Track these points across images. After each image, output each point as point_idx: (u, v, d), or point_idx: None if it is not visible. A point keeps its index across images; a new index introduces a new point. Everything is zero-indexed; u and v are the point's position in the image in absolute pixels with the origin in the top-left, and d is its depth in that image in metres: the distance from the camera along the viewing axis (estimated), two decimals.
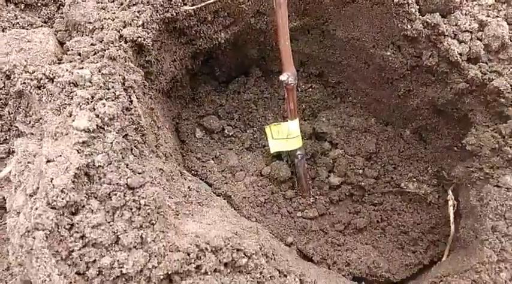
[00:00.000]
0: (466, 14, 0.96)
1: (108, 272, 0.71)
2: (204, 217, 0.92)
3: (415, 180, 1.16)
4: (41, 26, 0.96)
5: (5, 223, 0.88)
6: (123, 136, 0.82)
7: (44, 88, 0.84)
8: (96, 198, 0.75)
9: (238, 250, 0.80)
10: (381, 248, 1.12)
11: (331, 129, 1.24)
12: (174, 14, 0.96)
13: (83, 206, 0.73)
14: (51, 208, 0.70)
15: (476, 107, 0.98)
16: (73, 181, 0.72)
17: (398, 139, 1.21)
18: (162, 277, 0.73)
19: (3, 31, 0.92)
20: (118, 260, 0.72)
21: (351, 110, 1.27)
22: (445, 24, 0.95)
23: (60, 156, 0.74)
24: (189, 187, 0.96)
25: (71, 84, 0.83)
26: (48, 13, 0.99)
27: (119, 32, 0.90)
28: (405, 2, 0.94)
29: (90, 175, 0.75)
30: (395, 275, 1.06)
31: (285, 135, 1.11)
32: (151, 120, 0.97)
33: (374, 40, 1.07)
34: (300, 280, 0.84)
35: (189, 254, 0.76)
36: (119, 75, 0.85)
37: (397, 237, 1.13)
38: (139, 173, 0.80)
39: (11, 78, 0.86)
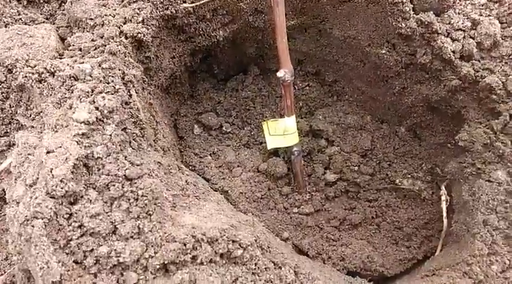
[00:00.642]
0: (459, 13, 0.98)
1: (106, 261, 0.72)
2: (201, 210, 0.93)
3: (409, 176, 1.18)
4: (43, 22, 0.98)
5: (5, 215, 0.90)
6: (122, 129, 0.83)
7: (45, 82, 0.85)
8: (94, 188, 0.76)
9: (233, 241, 0.81)
10: (376, 244, 1.13)
11: (327, 127, 1.26)
12: (174, 11, 0.98)
13: (82, 196, 0.75)
14: (51, 197, 0.71)
15: (469, 104, 1.00)
16: (72, 172, 0.73)
17: (393, 137, 1.23)
18: (158, 266, 0.74)
19: (6, 27, 0.94)
20: (115, 250, 0.73)
21: (347, 108, 1.29)
22: (438, 22, 0.97)
23: (60, 147, 0.76)
24: (186, 181, 0.98)
25: (72, 78, 0.85)
26: (50, 10, 1.01)
27: (119, 28, 0.92)
28: (400, 0, 0.96)
29: (89, 166, 0.77)
30: (389, 270, 1.07)
31: (282, 132, 1.13)
32: (150, 115, 0.99)
33: (369, 38, 1.08)
34: (295, 271, 0.85)
35: (185, 245, 0.77)
36: (119, 70, 0.87)
37: (392, 233, 1.15)
38: (137, 165, 0.81)
39: (13, 72, 0.87)
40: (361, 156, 1.23)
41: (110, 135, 0.80)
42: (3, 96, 0.90)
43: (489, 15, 0.96)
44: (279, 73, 1.02)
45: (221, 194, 1.09)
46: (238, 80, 1.31)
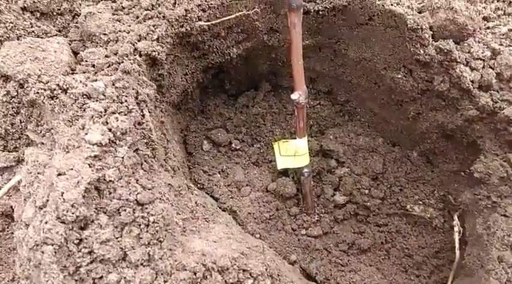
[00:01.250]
0: (479, 42, 0.96)
1: None
2: (210, 233, 0.91)
3: (421, 202, 1.16)
4: (56, 35, 0.97)
5: (11, 233, 0.88)
6: (134, 151, 0.82)
7: (57, 98, 0.84)
8: (105, 212, 0.75)
9: (244, 270, 0.80)
10: (385, 271, 1.11)
11: (338, 147, 1.24)
12: (189, 28, 0.96)
13: (92, 221, 0.73)
14: (61, 222, 0.70)
15: (486, 134, 0.98)
16: (83, 196, 0.71)
17: (405, 161, 1.21)
18: None
19: (18, 39, 0.92)
20: (125, 278, 0.72)
21: (358, 129, 1.27)
22: (458, 51, 0.95)
23: (72, 169, 0.74)
24: (196, 202, 0.96)
25: (84, 96, 0.83)
26: (63, 22, 0.99)
27: (133, 45, 0.90)
28: (419, 27, 0.95)
29: (100, 190, 0.75)
30: None
31: (293, 153, 1.11)
32: (161, 133, 0.97)
33: (385, 62, 1.07)
34: None
35: (195, 274, 0.76)
36: (133, 89, 0.85)
37: (401, 260, 1.13)
38: (148, 189, 0.79)
39: (24, 87, 0.86)
40: (371, 179, 1.21)
41: (122, 158, 0.78)
42: (13, 110, 0.88)
43: (509, 45, 0.95)
44: (293, 96, 1.00)
45: (229, 214, 1.08)
46: (249, 96, 1.29)
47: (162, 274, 0.74)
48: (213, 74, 1.20)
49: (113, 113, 0.81)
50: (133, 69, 0.87)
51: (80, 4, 1.00)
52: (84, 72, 0.89)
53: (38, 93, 0.84)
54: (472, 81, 0.95)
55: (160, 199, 0.81)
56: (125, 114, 0.82)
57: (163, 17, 0.94)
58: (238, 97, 1.30)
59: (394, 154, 1.22)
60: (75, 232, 0.71)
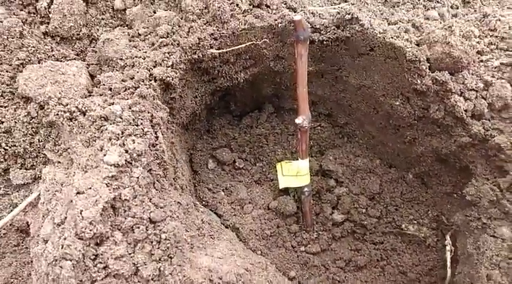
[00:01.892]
0: (472, 74, 1.03)
1: None
2: (215, 250, 0.96)
3: (415, 222, 1.21)
4: (74, 58, 1.02)
5: (26, 247, 0.92)
6: (148, 171, 0.87)
7: (75, 120, 0.89)
8: (120, 230, 0.79)
9: None
10: None
11: (337, 167, 1.29)
12: (201, 55, 1.02)
13: (108, 237, 0.77)
14: (79, 238, 0.74)
15: (478, 160, 1.04)
16: (101, 214, 0.76)
17: (401, 182, 1.27)
18: None
19: (39, 62, 0.97)
20: None
21: (357, 150, 1.33)
22: (453, 82, 1.02)
23: (90, 188, 0.79)
24: (202, 220, 1.00)
25: (102, 119, 0.88)
26: (81, 46, 1.05)
27: (149, 70, 0.96)
28: (417, 59, 1.01)
29: (116, 208, 0.80)
30: None
31: (295, 173, 1.16)
32: (171, 153, 1.02)
33: (384, 90, 1.13)
34: None
35: None
36: (148, 113, 0.91)
37: (396, 277, 1.18)
38: (161, 207, 0.84)
39: (45, 108, 0.91)
40: (369, 199, 1.26)
41: (137, 178, 0.83)
42: (33, 130, 0.93)
43: (501, 78, 1.01)
44: (298, 120, 1.06)
45: (232, 231, 1.12)
46: (253, 117, 1.35)
47: None
48: (220, 96, 1.26)
49: (129, 135, 0.86)
50: (149, 94, 0.92)
51: (98, 30, 1.06)
52: (101, 95, 0.95)
53: (57, 114, 0.89)
54: (465, 110, 1.01)
55: (171, 217, 0.85)
56: (141, 137, 0.87)
57: (178, 44, 0.99)
58: (242, 118, 1.36)
59: (391, 175, 1.28)
60: (92, 248, 0.75)
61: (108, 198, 0.77)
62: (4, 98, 0.94)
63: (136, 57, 0.99)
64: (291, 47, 1.07)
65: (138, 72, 0.95)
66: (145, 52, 0.99)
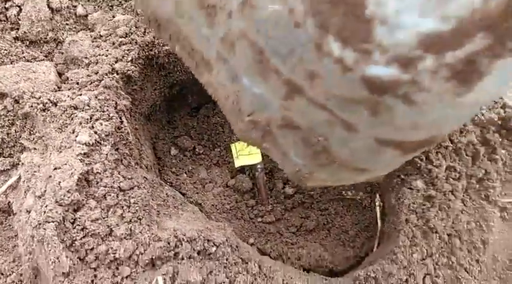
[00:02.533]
0: None
1: (104, 258, 0.88)
2: (180, 218, 1.11)
3: (352, 188, 1.40)
4: (43, 59, 1.15)
5: (9, 225, 1.04)
6: (115, 150, 1.01)
7: (48, 110, 1.02)
8: (94, 198, 0.93)
9: (208, 240, 0.99)
10: (326, 245, 1.33)
11: None
12: (157, 52, 1.18)
13: (84, 204, 0.91)
14: (59, 205, 0.87)
15: None
16: (77, 184, 0.90)
17: None
18: (147, 261, 0.91)
19: (11, 63, 1.09)
20: (112, 248, 0.89)
21: None
22: None
23: (66, 164, 0.92)
24: (166, 193, 1.15)
25: (72, 108, 1.02)
26: (48, 49, 1.17)
27: (111, 66, 1.10)
28: None
29: (89, 180, 0.94)
30: (337, 266, 1.28)
31: (247, 152, 1.33)
32: (136, 138, 1.16)
33: None
34: (259, 265, 1.04)
35: (169, 243, 0.94)
36: (112, 101, 1.05)
37: (340, 236, 1.36)
38: (129, 179, 0.99)
39: (19, 102, 1.03)
40: None
41: (107, 154, 0.97)
42: (9, 122, 1.05)
43: None
44: None
45: (196, 206, 1.27)
46: (208, 108, 1.51)
47: (141, 244, 0.92)
48: (178, 90, 1.41)
49: (97, 120, 1.00)
50: (112, 85, 1.07)
51: (63, 34, 1.19)
52: (69, 89, 1.08)
53: (32, 106, 1.01)
54: None
55: (138, 187, 1.00)
56: (107, 120, 1.01)
57: (136, 42, 1.15)
58: (199, 109, 1.51)
59: None
60: (71, 213, 0.89)
61: (82, 171, 0.91)
62: None
63: (99, 55, 1.13)
64: None
65: (101, 67, 1.10)
66: (107, 50, 1.14)
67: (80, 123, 0.98)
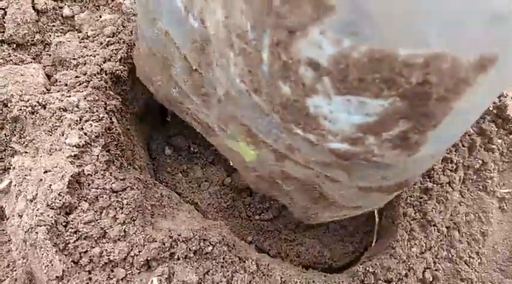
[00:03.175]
0: None
1: (98, 260, 0.87)
2: (175, 218, 1.09)
3: None
4: (31, 62, 1.13)
5: (3, 229, 1.02)
6: (106, 151, 0.99)
7: (37, 113, 1.00)
8: (86, 200, 0.92)
9: (204, 239, 0.98)
10: (325, 241, 1.32)
11: None
12: None
13: (76, 207, 0.90)
14: (51, 208, 0.86)
15: None
16: (68, 187, 0.88)
17: None
18: (142, 263, 0.90)
19: None
20: (106, 250, 0.88)
21: None
22: None
23: (56, 166, 0.91)
24: (161, 193, 1.14)
25: (61, 110, 1.00)
26: (36, 51, 1.16)
27: (100, 66, 1.09)
28: None
29: (81, 182, 0.92)
30: (337, 262, 1.27)
31: None
32: (128, 139, 1.15)
33: None
34: (257, 264, 1.03)
35: (164, 244, 0.93)
36: (102, 101, 1.04)
37: (338, 231, 1.35)
38: (121, 179, 0.97)
39: (8, 106, 1.01)
40: None
41: (97, 156, 0.96)
42: None
43: None
44: None
45: (192, 205, 1.26)
46: None
47: (136, 246, 0.91)
48: None
49: (87, 121, 0.99)
50: (101, 85, 1.06)
51: (50, 35, 1.18)
52: (58, 91, 1.07)
53: (20, 110, 1.00)
54: None
55: (131, 187, 0.98)
56: (97, 121, 1.00)
57: (124, 41, 1.13)
58: None
59: None
60: (63, 216, 0.88)
61: (73, 173, 0.90)
62: None
63: (87, 55, 1.11)
64: None
65: (90, 68, 1.08)
66: (95, 51, 1.12)
67: (69, 125, 0.97)
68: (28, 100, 1.01)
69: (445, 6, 0.40)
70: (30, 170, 0.97)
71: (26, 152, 1.03)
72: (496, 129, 1.18)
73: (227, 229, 1.07)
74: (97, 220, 0.90)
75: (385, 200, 0.90)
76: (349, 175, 0.70)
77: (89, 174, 0.93)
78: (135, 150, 1.17)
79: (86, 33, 1.16)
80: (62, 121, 0.99)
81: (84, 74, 1.08)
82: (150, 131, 1.41)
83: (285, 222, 1.38)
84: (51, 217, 0.85)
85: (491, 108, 1.17)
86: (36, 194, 0.89)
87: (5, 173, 1.04)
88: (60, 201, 0.86)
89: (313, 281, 1.04)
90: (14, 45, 1.13)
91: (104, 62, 1.10)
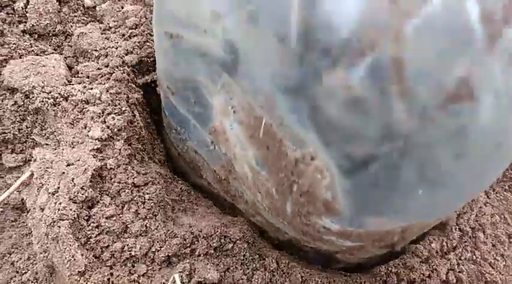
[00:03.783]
0: None
1: (119, 255, 0.87)
2: (195, 213, 1.08)
3: None
4: (52, 53, 1.12)
5: (23, 222, 1.02)
6: (128, 144, 0.98)
7: (59, 105, 1.00)
8: (108, 194, 0.91)
9: (225, 236, 0.97)
10: None
11: None
12: None
13: (98, 201, 0.89)
14: (73, 202, 0.86)
15: None
16: (90, 181, 0.88)
17: None
18: (163, 258, 0.89)
19: (20, 57, 1.07)
20: (127, 245, 0.88)
21: None
22: None
23: (79, 160, 0.90)
24: (181, 188, 1.12)
25: (83, 102, 0.99)
26: (57, 42, 1.15)
27: (121, 58, 1.08)
28: None
29: (103, 176, 0.91)
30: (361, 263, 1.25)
31: None
32: (148, 132, 1.14)
33: None
34: (277, 261, 1.02)
35: (185, 240, 0.92)
36: (124, 94, 1.02)
37: None
38: (143, 174, 0.96)
39: (30, 97, 1.01)
40: None
41: (120, 149, 0.95)
42: (20, 118, 1.02)
43: None
44: None
45: (210, 200, 1.24)
46: None
47: (157, 241, 0.90)
48: None
49: (109, 114, 0.98)
50: (124, 78, 1.04)
51: (72, 26, 1.16)
52: (79, 83, 1.06)
53: (42, 101, 0.99)
54: None
55: (152, 182, 0.97)
56: (119, 115, 0.98)
57: (146, 33, 1.12)
58: None
59: None
60: (85, 210, 0.87)
61: (96, 166, 0.89)
62: None
63: (109, 47, 1.10)
64: None
65: (111, 60, 1.07)
66: (117, 42, 1.11)
67: (92, 118, 0.96)
68: (50, 92, 1.00)
69: None
70: (52, 162, 0.96)
71: (47, 144, 1.02)
72: None
73: (247, 226, 1.05)
74: (119, 214, 0.90)
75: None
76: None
77: (111, 168, 0.92)
78: (155, 144, 1.16)
79: (108, 24, 1.15)
80: (84, 114, 0.98)
81: (106, 66, 1.07)
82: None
83: None
84: (74, 211, 0.84)
85: None
86: (59, 187, 0.89)
87: (26, 165, 1.04)
88: (82, 194, 0.86)
89: (334, 281, 1.03)
90: (36, 36, 1.13)
91: (126, 54, 1.08)
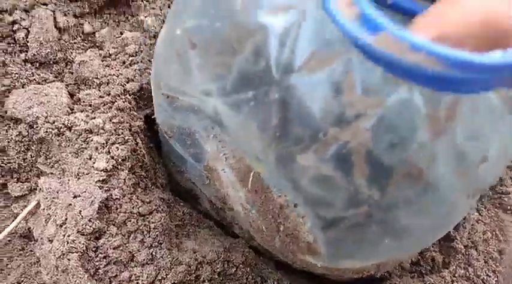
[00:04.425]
0: None
1: None
2: (197, 237, 1.11)
3: None
4: (53, 80, 1.14)
5: (31, 250, 1.04)
6: (132, 173, 1.01)
7: (63, 135, 1.01)
8: (114, 224, 0.93)
9: (228, 261, 1.00)
10: None
11: None
12: None
13: (105, 232, 0.92)
14: (81, 234, 0.88)
15: None
16: (97, 212, 0.90)
17: None
18: None
19: (23, 87, 1.08)
20: (135, 274, 0.90)
21: None
22: None
23: (85, 191, 0.92)
24: (183, 212, 1.15)
25: (87, 131, 1.01)
26: (58, 69, 1.16)
27: (123, 86, 1.10)
28: None
29: (109, 207, 0.94)
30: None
31: None
32: (150, 157, 1.16)
33: None
34: (278, 282, 1.05)
35: (190, 267, 0.95)
36: (127, 123, 1.04)
37: None
38: (147, 203, 0.99)
39: (34, 127, 1.03)
40: None
41: (124, 179, 0.97)
42: (25, 147, 1.04)
43: None
44: None
45: (211, 220, 1.27)
46: None
47: (163, 269, 0.93)
48: None
49: (113, 144, 1.00)
50: (125, 107, 1.06)
51: (72, 53, 1.18)
52: (82, 111, 1.08)
53: (46, 131, 1.01)
54: None
55: (156, 210, 1.00)
56: (123, 144, 1.01)
57: (146, 61, 1.14)
58: None
59: None
60: (93, 242, 0.90)
61: (102, 198, 0.91)
62: None
63: (110, 75, 1.12)
64: None
65: (113, 88, 1.09)
66: (118, 70, 1.13)
67: (97, 148, 0.98)
68: (54, 122, 1.02)
69: None
70: (58, 192, 0.98)
71: (52, 173, 1.04)
72: None
73: (248, 249, 1.09)
74: (125, 244, 0.92)
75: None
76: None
77: (116, 198, 0.94)
78: (157, 168, 1.18)
79: (108, 51, 1.16)
80: (88, 144, 1.00)
81: (108, 94, 1.09)
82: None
83: None
84: (83, 243, 0.87)
85: None
86: (66, 219, 0.91)
87: (32, 193, 1.06)
88: (90, 226, 0.88)
89: None
90: (37, 64, 1.14)
91: (127, 82, 1.10)
